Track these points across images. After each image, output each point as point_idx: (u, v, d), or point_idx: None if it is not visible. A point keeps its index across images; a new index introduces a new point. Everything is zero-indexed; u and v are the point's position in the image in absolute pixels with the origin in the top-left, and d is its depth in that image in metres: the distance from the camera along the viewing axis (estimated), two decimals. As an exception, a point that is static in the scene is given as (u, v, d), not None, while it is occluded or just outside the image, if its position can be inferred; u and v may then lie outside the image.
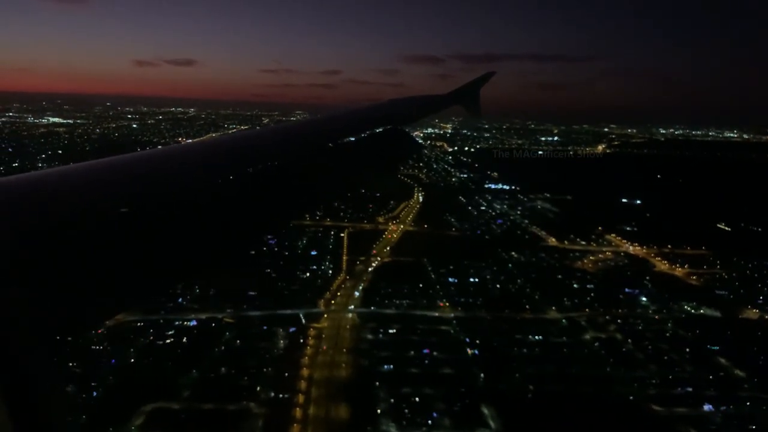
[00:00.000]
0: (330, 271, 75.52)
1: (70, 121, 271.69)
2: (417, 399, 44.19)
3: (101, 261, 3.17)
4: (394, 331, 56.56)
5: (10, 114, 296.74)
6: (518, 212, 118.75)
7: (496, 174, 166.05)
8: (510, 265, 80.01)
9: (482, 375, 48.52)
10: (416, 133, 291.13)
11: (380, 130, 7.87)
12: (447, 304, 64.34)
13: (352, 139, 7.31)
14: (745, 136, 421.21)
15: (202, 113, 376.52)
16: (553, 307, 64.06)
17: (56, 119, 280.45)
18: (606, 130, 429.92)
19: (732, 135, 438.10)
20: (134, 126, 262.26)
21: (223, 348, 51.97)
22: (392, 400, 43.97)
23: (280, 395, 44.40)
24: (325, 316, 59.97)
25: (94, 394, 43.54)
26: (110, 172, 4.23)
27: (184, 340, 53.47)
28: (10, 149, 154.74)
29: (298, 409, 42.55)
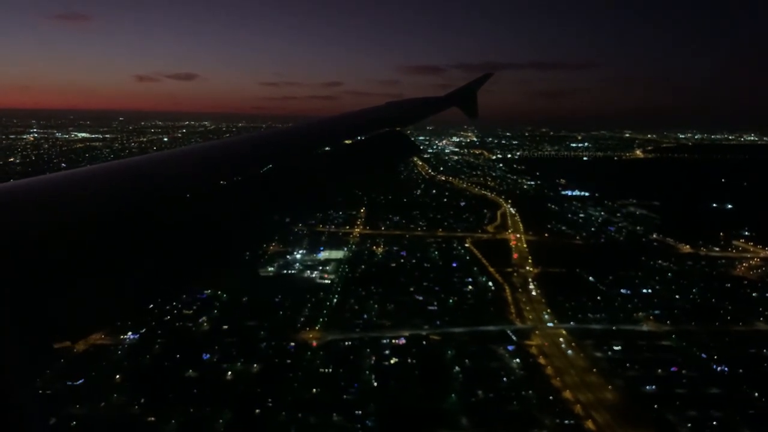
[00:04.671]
0: (490, 284, 72.01)
1: (99, 136, 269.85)
2: (715, 422, 40.52)
3: (102, 266, 3.13)
4: (620, 347, 52.97)
5: (34, 130, 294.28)
6: (621, 219, 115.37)
7: (563, 180, 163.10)
8: (669, 274, 76.58)
9: (756, 394, 44.85)
10: (445, 141, 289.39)
11: (379, 132, 7.77)
12: (645, 316, 60.78)
13: (352, 141, 7.31)
14: (766, 139, 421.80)
15: (222, 126, 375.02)
16: (761, 318, 60.52)
17: (84, 134, 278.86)
18: (627, 135, 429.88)
19: (753, 138, 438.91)
20: (165, 140, 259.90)
21: (457, 369, 48.30)
22: (689, 425, 40.32)
23: (566, 421, 40.74)
24: (536, 332, 56.34)
25: (368, 423, 39.82)
26: (110, 176, 4.16)
27: (409, 360, 49.76)
28: (63, 164, 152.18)
29: (601, 437, 38.85)
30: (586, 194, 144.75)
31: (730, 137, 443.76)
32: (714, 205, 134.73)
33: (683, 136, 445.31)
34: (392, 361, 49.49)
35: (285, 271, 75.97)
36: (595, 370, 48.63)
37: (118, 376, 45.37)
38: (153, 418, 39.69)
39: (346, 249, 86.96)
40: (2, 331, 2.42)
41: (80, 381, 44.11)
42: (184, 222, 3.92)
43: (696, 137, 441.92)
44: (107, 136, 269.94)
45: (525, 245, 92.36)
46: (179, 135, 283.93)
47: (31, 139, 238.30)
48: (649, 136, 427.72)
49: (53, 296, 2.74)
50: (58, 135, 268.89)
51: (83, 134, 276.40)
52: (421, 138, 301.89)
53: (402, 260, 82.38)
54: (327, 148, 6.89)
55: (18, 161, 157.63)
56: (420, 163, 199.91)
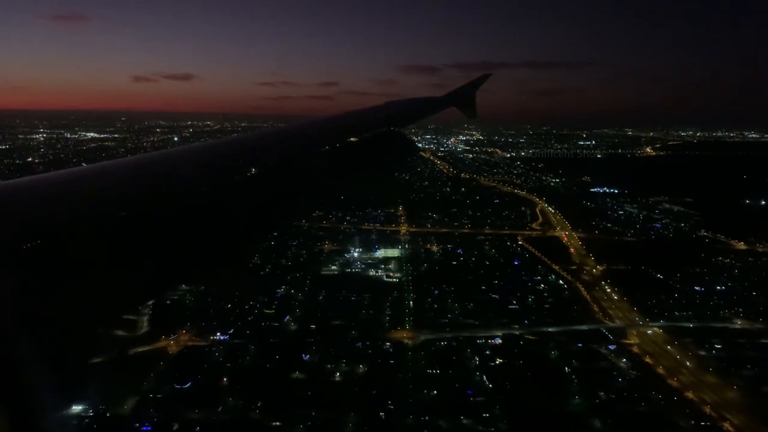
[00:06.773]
0: (561, 282, 70.85)
1: (108, 136, 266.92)
2: None
3: (104, 261, 3.09)
4: (720, 346, 51.99)
5: (42, 130, 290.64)
6: (662, 216, 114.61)
7: (588, 178, 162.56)
8: (735, 270, 75.77)
9: None
10: (453, 140, 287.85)
11: (377, 132, 7.78)
12: (732, 314, 59.86)
13: (351, 141, 7.21)
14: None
15: (226, 126, 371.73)
16: None
17: (92, 134, 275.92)
18: (630, 133, 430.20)
19: (755, 135, 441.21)
20: (175, 139, 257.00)
21: (568, 370, 47.08)
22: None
23: (702, 423, 39.60)
24: (631, 331, 55.26)
25: (501, 426, 38.50)
26: (114, 174, 4.14)
27: (514, 360, 48.46)
28: (83, 164, 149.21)
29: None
30: (616, 191, 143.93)
31: (731, 134, 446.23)
32: (747, 201, 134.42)
33: (685, 134, 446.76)
34: (497, 362, 48.18)
35: (348, 270, 74.52)
36: (708, 369, 47.53)
37: (225, 379, 43.76)
38: (278, 423, 38.15)
39: (400, 247, 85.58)
40: (12, 330, 2.31)
41: (188, 384, 42.53)
42: (186, 218, 3.85)
43: (698, 134, 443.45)
44: (116, 135, 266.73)
45: (579, 242, 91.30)
46: (187, 134, 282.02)
47: (41, 139, 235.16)
48: (651, 133, 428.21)
49: (60, 293, 2.59)
50: (67, 135, 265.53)
51: (92, 134, 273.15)
52: (428, 137, 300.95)
53: (461, 258, 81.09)
54: (327, 148, 6.81)
55: (38, 161, 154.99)
56: (438, 162, 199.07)
